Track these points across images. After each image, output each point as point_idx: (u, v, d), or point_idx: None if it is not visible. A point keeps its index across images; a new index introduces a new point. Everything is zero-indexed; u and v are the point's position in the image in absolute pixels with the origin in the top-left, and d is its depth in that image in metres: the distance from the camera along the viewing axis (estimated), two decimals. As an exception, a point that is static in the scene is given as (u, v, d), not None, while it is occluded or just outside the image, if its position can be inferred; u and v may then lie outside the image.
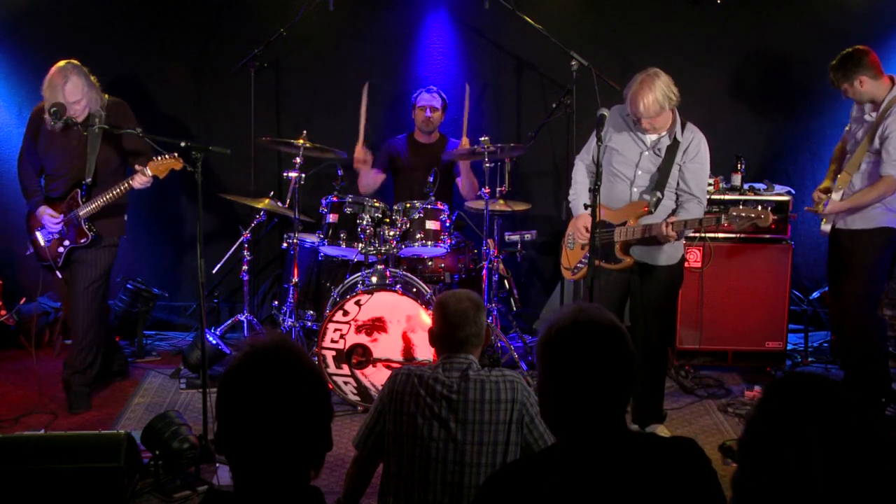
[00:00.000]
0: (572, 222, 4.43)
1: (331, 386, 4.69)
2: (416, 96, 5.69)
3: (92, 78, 4.61)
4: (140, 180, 4.50)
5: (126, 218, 4.90)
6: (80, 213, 4.61)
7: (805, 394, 1.60)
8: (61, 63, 4.56)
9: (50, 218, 4.66)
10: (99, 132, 4.56)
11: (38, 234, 4.77)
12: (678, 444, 1.97)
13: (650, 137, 4.12)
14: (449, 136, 5.81)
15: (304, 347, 2.01)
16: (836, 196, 4.62)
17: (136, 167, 4.55)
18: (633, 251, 4.18)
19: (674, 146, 4.08)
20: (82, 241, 4.66)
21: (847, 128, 4.88)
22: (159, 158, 4.45)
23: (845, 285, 4.72)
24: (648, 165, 4.14)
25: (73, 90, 4.48)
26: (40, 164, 4.79)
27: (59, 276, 4.78)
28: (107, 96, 4.70)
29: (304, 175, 5.08)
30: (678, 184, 4.16)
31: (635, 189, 4.17)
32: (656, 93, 3.92)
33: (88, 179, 4.64)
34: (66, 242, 4.70)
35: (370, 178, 5.68)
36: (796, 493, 1.53)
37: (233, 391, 1.74)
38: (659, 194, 4.09)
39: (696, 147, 4.10)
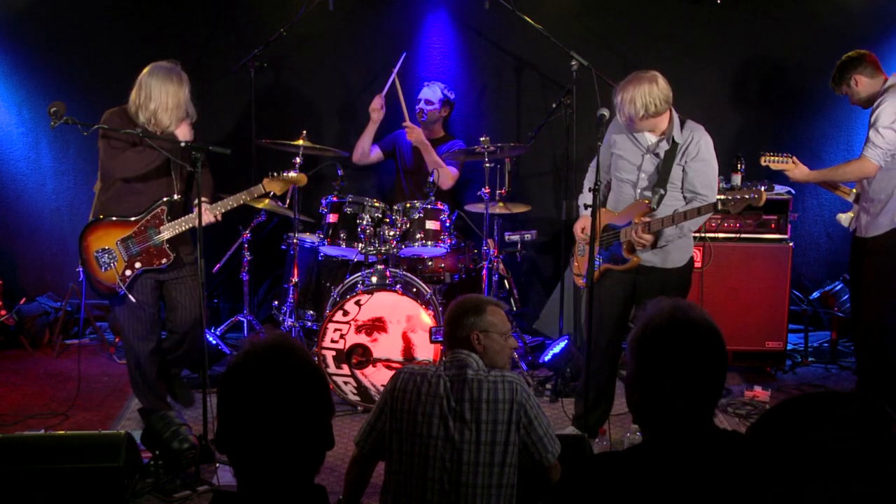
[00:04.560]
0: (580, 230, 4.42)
1: (331, 386, 4.69)
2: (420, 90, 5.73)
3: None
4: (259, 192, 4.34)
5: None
6: (164, 235, 4.28)
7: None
8: (174, 70, 4.29)
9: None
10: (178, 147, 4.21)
11: (95, 258, 4.29)
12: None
13: (649, 141, 4.11)
14: (453, 137, 5.79)
15: (304, 345, 2.07)
16: None
17: (265, 181, 4.36)
18: (641, 253, 4.16)
19: (672, 148, 4.07)
20: (163, 262, 4.29)
21: None
22: (277, 175, 4.30)
23: None
24: (650, 167, 4.13)
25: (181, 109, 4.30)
26: (113, 173, 4.31)
27: (133, 299, 4.28)
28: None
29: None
30: (684, 184, 4.14)
31: (639, 191, 4.17)
32: (634, 94, 3.94)
33: (177, 197, 4.34)
34: (138, 265, 4.28)
35: (366, 144, 5.68)
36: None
37: (233, 390, 1.75)
38: (661, 191, 4.08)
39: (696, 145, 4.08)
